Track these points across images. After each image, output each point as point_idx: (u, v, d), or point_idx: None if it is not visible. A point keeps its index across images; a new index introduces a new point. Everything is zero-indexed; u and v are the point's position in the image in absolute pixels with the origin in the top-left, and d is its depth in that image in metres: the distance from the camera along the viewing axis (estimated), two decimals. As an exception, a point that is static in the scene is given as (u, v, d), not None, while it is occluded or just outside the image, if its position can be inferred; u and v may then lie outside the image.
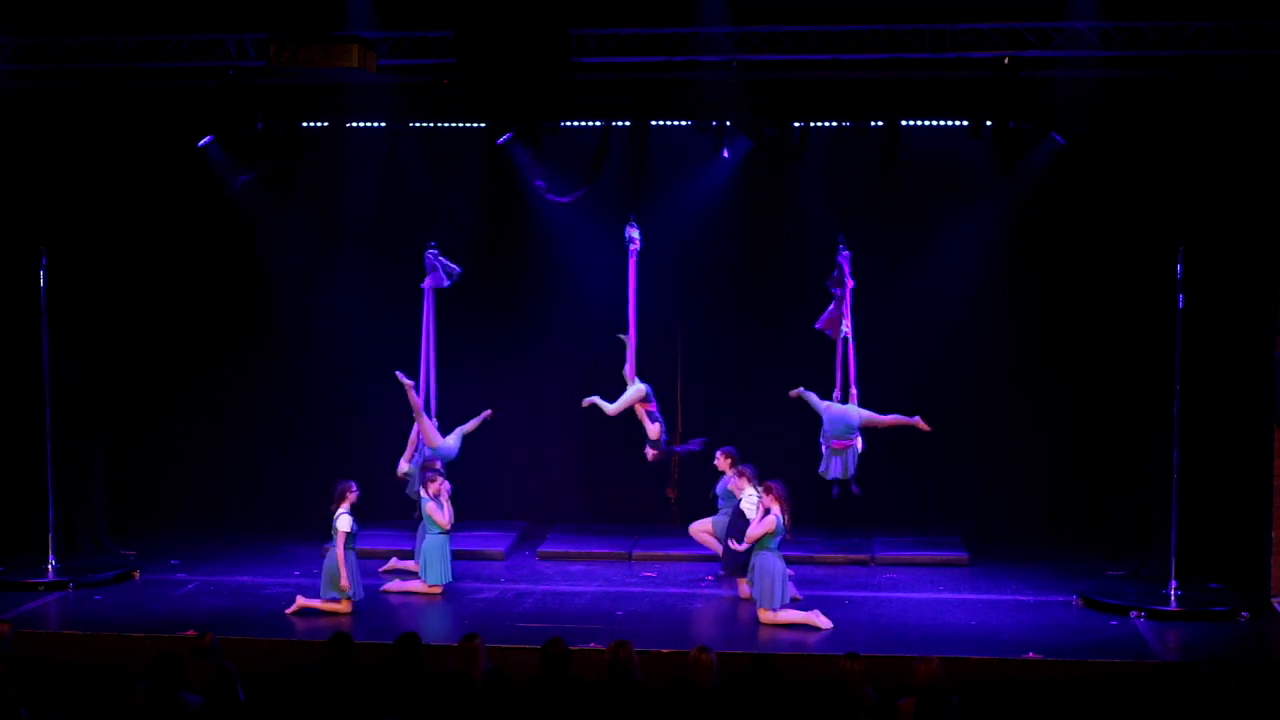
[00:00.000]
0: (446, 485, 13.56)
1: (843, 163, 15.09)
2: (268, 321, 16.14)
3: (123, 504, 15.62)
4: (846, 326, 14.18)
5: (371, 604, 13.18)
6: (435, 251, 14.64)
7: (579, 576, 14.18)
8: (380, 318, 15.88)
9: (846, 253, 14.17)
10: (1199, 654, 11.59)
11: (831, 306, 14.21)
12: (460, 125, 15.11)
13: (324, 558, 12.98)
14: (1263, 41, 12.70)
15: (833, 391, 14.30)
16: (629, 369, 14.48)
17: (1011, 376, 15.58)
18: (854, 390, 14.33)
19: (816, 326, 14.24)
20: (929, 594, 13.47)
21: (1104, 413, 15.02)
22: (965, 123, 14.22)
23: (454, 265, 14.62)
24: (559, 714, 9.08)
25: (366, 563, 14.05)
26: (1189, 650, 11.73)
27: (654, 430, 14.40)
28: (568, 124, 14.77)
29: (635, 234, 14.49)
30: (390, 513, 15.52)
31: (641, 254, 14.54)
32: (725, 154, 14.73)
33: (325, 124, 15.07)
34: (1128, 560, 14.07)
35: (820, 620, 12.31)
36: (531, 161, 15.08)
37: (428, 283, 14.66)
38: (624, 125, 14.73)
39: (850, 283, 14.18)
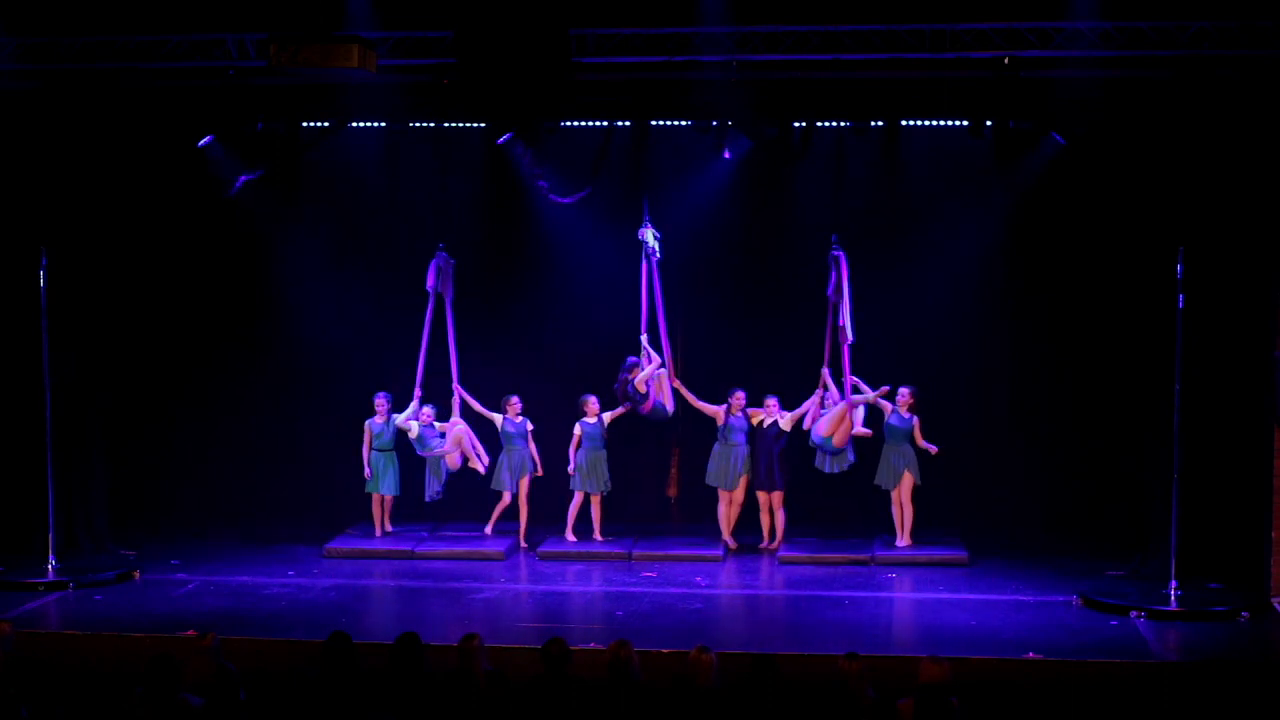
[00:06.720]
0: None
1: (842, 163, 15.09)
2: (268, 321, 16.13)
3: (123, 504, 15.59)
4: (846, 330, 14.20)
5: (374, 600, 13.21)
6: (445, 255, 14.65)
7: (579, 576, 14.18)
8: (381, 317, 15.88)
9: (839, 252, 14.20)
10: (1199, 654, 11.59)
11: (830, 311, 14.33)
12: (460, 125, 15.12)
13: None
14: (1263, 41, 12.70)
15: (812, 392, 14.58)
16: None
17: (1011, 376, 15.57)
18: (848, 390, 14.42)
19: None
20: (929, 594, 13.47)
21: (1104, 412, 15.01)
22: (965, 123, 14.22)
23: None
24: (559, 714, 9.08)
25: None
26: (1189, 650, 11.72)
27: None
28: (568, 124, 14.78)
29: (652, 239, 14.50)
30: (393, 512, 15.57)
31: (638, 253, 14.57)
32: (726, 155, 14.73)
33: (326, 124, 15.09)
34: (1128, 560, 14.07)
35: None
36: (533, 162, 15.08)
37: (431, 285, 14.68)
38: (624, 125, 14.73)
39: (846, 285, 14.19)
